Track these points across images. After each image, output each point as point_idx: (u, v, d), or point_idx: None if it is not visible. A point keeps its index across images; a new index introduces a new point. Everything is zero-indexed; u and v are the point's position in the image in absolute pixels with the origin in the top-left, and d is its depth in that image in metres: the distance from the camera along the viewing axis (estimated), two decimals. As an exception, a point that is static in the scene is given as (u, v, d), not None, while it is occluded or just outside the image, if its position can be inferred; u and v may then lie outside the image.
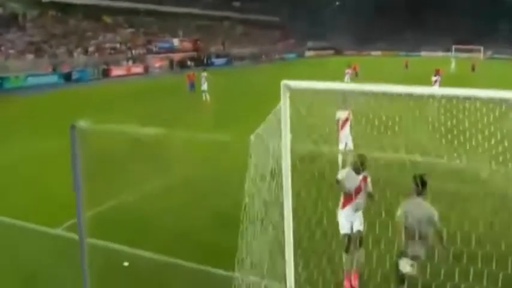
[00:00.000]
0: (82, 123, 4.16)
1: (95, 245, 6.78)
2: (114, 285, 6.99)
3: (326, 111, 10.96)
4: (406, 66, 50.66)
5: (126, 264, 7.60)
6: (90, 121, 4.33)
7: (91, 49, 52.56)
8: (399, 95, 4.16)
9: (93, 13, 58.54)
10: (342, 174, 7.34)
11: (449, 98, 5.22)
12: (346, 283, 7.34)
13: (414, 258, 6.02)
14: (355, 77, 35.14)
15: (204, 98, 27.16)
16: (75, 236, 4.66)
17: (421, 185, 6.13)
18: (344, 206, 7.36)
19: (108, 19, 60.67)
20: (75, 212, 4.41)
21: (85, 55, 50.98)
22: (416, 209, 6.11)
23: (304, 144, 8.15)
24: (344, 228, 7.36)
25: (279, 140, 5.85)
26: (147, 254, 7.97)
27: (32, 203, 10.78)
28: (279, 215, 6.32)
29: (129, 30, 61.80)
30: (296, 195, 5.94)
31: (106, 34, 57.42)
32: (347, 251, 7.34)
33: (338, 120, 12.49)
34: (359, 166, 7.19)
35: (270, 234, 6.20)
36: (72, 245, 5.74)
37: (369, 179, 7.33)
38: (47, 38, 49.63)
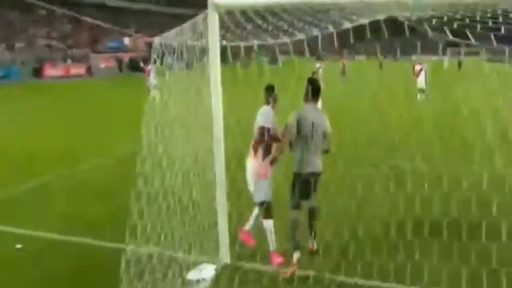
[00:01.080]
0: None
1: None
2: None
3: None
4: (380, 67, 49.95)
5: (18, 246, 6.69)
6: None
7: (19, 45, 44.52)
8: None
9: (24, 3, 50.14)
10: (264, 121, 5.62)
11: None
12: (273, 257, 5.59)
13: (312, 175, 5.60)
14: (343, 76, 32.64)
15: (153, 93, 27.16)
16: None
17: (313, 90, 5.86)
18: (264, 157, 5.63)
19: (42, 11, 52.22)
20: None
21: (11, 51, 42.99)
22: (311, 114, 5.80)
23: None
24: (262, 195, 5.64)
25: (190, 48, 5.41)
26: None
27: None
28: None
29: (69, 25, 53.67)
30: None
31: (39, 28, 49.28)
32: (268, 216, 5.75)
33: (319, 69, 17.53)
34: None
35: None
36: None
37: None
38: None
